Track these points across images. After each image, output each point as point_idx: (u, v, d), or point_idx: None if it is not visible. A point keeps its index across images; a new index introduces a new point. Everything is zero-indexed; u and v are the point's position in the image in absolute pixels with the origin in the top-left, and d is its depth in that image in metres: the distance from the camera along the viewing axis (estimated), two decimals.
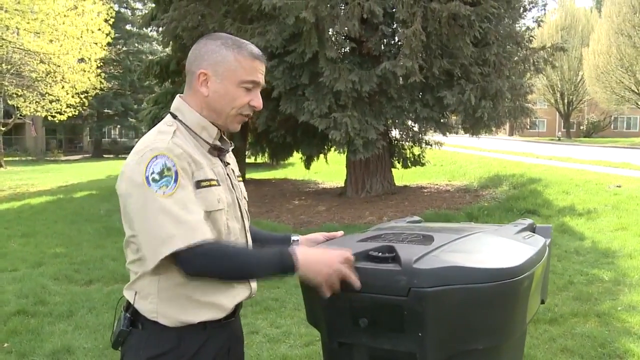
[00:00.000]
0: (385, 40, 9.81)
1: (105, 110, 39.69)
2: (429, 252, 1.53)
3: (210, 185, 1.59)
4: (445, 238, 1.66)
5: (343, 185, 12.66)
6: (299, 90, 10.22)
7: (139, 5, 36.71)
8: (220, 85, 1.64)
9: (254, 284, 1.76)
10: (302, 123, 10.26)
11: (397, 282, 1.47)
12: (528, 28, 11.70)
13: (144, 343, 1.59)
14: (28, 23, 14.09)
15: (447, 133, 11.22)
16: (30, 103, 21.10)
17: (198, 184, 1.56)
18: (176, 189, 1.50)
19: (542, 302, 2.01)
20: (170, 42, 14.71)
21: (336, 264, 1.52)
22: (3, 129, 28.40)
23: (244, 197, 1.82)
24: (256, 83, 1.67)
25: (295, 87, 10.25)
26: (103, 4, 18.08)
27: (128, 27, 37.46)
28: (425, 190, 12.08)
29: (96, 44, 17.95)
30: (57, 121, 22.06)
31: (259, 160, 21.33)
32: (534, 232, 2.08)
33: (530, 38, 11.41)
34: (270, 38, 9.64)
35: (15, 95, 21.82)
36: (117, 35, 32.28)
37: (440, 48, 9.56)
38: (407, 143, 13.00)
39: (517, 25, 11.43)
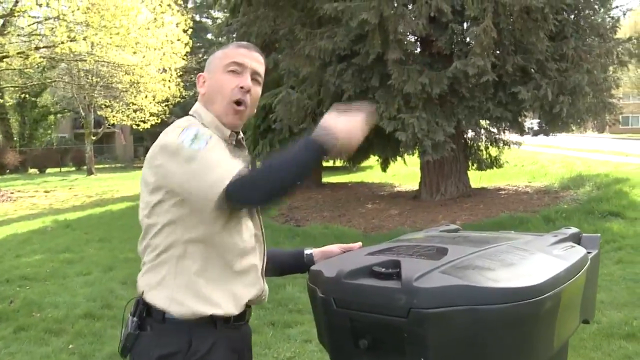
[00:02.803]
0: (456, 39, 9.47)
1: None
2: (434, 268, 1.38)
3: None
4: (459, 252, 1.50)
5: (418, 188, 12.39)
6: (369, 93, 10.08)
7: (219, 14, 37.71)
8: (212, 79, 1.71)
9: (265, 286, 1.75)
10: (374, 125, 10.10)
11: (397, 301, 1.33)
12: (612, 18, 10.97)
13: (154, 343, 1.57)
14: (111, 37, 14.78)
15: (523, 133, 10.68)
16: (117, 113, 22.21)
17: None
18: (209, 146, 1.52)
19: (586, 321, 1.79)
20: None
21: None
22: (94, 137, 30.03)
23: None
24: (239, 64, 1.69)
25: (365, 90, 10.12)
26: (182, 15, 18.69)
27: (209, 36, 38.57)
28: (503, 192, 11.59)
29: (175, 54, 18.59)
30: (141, 129, 23.07)
31: (337, 164, 21.34)
32: (578, 243, 1.87)
33: (615, 29, 10.70)
34: (337, 40, 9.59)
35: (104, 106, 23.03)
36: (198, 44, 33.35)
37: (513, 44, 9.12)
38: (482, 144, 12.55)
39: (599, 16, 10.75)
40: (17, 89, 23.65)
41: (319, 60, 10.05)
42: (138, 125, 22.27)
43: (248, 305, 1.69)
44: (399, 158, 16.15)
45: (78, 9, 14.02)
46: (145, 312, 1.59)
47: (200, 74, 1.76)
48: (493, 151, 12.87)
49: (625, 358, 3.60)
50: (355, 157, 17.92)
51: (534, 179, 13.27)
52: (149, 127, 22.46)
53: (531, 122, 11.65)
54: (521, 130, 10.86)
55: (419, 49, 10.57)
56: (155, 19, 16.94)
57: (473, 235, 1.91)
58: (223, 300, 1.58)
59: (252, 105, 1.72)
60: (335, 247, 1.90)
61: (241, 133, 1.76)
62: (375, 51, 9.12)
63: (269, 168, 1.52)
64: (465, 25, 9.50)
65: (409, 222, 9.76)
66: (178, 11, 18.40)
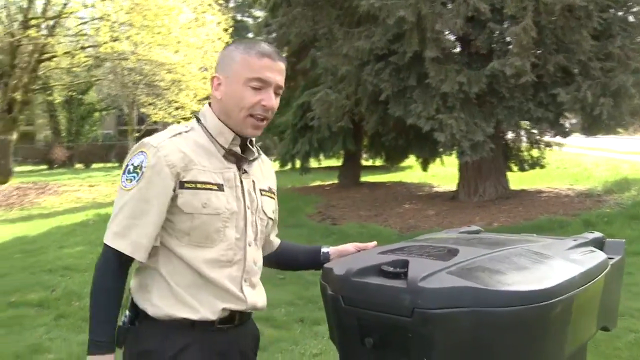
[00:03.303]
0: (494, 38, 9.30)
1: None
2: (442, 268, 1.37)
3: (197, 188, 1.59)
4: (470, 253, 1.48)
5: (456, 189, 12.25)
6: (407, 92, 10.03)
7: (260, 13, 38.00)
8: (230, 86, 1.64)
9: (250, 299, 1.68)
10: (413, 126, 10.06)
11: (402, 301, 1.33)
12: None
13: (138, 339, 1.62)
14: (152, 37, 15.06)
15: (565, 135, 10.42)
16: (159, 110, 22.60)
17: (182, 184, 1.58)
18: (134, 187, 1.57)
19: (606, 329, 1.75)
20: (285, 48, 15.10)
21: None
22: (137, 134, 30.66)
23: (263, 212, 1.76)
24: (263, 81, 1.62)
25: (403, 90, 10.07)
26: (222, 14, 18.87)
27: (250, 35, 38.88)
28: (543, 195, 11.34)
29: (216, 52, 18.77)
30: None
31: (377, 163, 21.24)
32: (601, 248, 1.82)
33: None
34: (375, 40, 9.56)
35: (146, 104, 23.49)
36: None
37: (555, 43, 8.90)
38: (523, 145, 12.31)
39: None
40: (64, 87, 24.36)
41: (357, 60, 10.04)
42: (179, 122, 22.58)
43: (236, 311, 1.66)
44: (437, 158, 16.03)
45: (121, 9, 14.37)
46: (135, 308, 1.65)
47: (215, 75, 1.69)
48: (534, 152, 12.62)
49: None
50: (394, 157, 17.89)
51: (577, 181, 12.95)
52: None
53: (570, 123, 11.33)
54: (563, 132, 10.60)
55: (457, 48, 10.45)
56: (196, 18, 17.17)
57: (490, 237, 1.88)
58: (199, 305, 1.59)
59: (271, 116, 1.69)
60: (350, 246, 1.90)
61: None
62: (412, 50, 9.07)
63: (92, 293, 1.57)
64: (505, 24, 9.31)
65: (445, 222, 9.66)
66: (219, 10, 18.58)
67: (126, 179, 1.59)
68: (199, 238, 1.60)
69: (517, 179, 12.46)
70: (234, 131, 1.66)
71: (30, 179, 22.75)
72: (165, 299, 1.59)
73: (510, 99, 9.29)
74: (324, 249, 1.93)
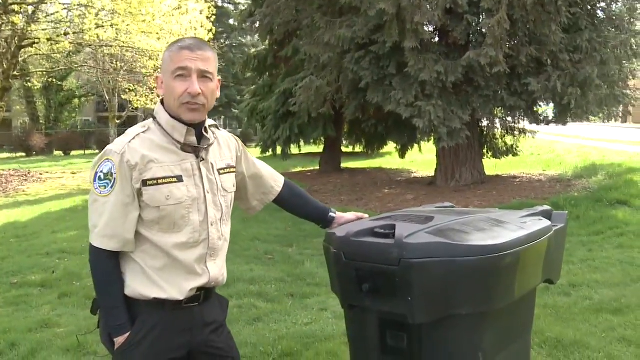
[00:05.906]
0: (471, 29, 9.75)
1: None
2: (421, 229, 1.79)
3: (159, 184, 1.80)
4: (443, 219, 1.91)
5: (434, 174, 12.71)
6: (386, 80, 10.41)
7: (241, 0, 38.01)
8: (165, 82, 1.84)
9: (213, 273, 1.92)
10: (392, 113, 10.44)
11: (391, 253, 1.74)
12: (630, 9, 11.07)
13: None
14: (137, 25, 15.19)
15: (537, 122, 10.96)
16: (140, 97, 22.71)
17: (145, 183, 1.79)
18: (110, 193, 1.79)
19: (551, 282, 2.18)
20: (267, 37, 15.35)
21: None
22: (118, 121, 30.72)
23: (224, 189, 1.97)
24: (184, 69, 1.79)
25: (383, 78, 10.45)
26: (205, 2, 19.02)
27: (231, 21, 38.92)
28: (517, 180, 11.89)
29: None
30: None
31: (357, 149, 21.63)
32: (549, 218, 2.25)
33: (632, 20, 10.84)
34: (356, 29, 9.91)
35: (128, 90, 23.54)
36: (220, 29, 33.69)
37: (527, 35, 9.38)
38: (498, 132, 12.82)
39: (618, 7, 10.90)
40: (44, 73, 24.26)
41: (338, 48, 10.38)
42: None
43: (201, 289, 1.90)
44: (415, 145, 16.51)
45: None
46: None
47: (157, 75, 1.89)
48: (508, 140, 13.14)
49: (609, 329, 3.96)
50: (373, 144, 18.31)
51: (549, 167, 13.53)
52: None
53: (546, 112, 11.88)
54: (536, 120, 11.10)
55: (436, 39, 10.86)
56: (179, 6, 17.30)
57: (460, 210, 2.31)
58: (167, 285, 1.82)
59: (211, 98, 1.85)
60: (352, 215, 2.25)
61: (208, 122, 1.94)
62: (392, 40, 9.44)
63: (96, 284, 1.85)
64: (481, 16, 9.75)
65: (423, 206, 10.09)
66: None
67: (99, 186, 1.79)
68: (167, 226, 1.82)
69: (492, 166, 12.98)
70: (183, 122, 1.83)
71: (10, 166, 22.75)
72: (137, 280, 1.82)
73: (485, 88, 9.76)
74: (332, 214, 2.24)
